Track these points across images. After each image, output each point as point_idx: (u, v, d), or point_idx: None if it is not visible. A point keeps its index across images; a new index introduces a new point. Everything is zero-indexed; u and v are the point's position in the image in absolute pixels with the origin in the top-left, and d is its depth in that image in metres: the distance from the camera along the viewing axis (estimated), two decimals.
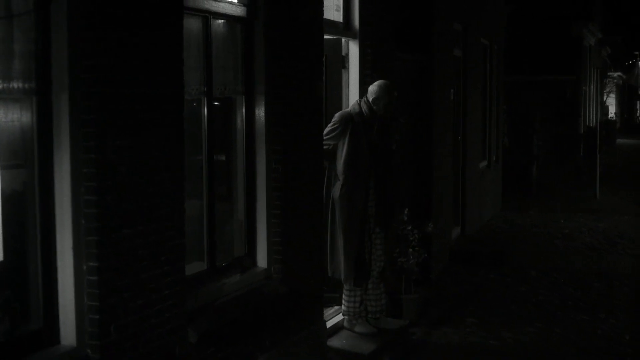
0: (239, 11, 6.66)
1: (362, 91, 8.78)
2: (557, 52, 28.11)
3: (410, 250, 9.05)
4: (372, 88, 8.15)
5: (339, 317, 8.59)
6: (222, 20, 6.56)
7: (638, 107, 77.04)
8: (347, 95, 8.85)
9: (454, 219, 13.25)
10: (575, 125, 28.82)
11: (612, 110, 49.77)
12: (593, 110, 36.13)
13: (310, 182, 7.57)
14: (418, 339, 8.60)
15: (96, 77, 4.80)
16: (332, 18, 8.57)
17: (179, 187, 5.57)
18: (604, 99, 45.20)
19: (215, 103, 6.53)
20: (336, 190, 8.01)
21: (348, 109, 8.22)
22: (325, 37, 8.16)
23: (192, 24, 6.08)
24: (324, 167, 8.06)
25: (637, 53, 59.20)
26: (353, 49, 8.84)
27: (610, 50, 45.01)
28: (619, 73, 53.24)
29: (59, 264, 4.85)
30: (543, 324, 9.27)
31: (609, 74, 48.60)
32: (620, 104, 56.95)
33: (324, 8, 8.07)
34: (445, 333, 8.78)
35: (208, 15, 6.25)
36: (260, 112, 6.89)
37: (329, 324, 8.19)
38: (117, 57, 4.95)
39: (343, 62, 8.83)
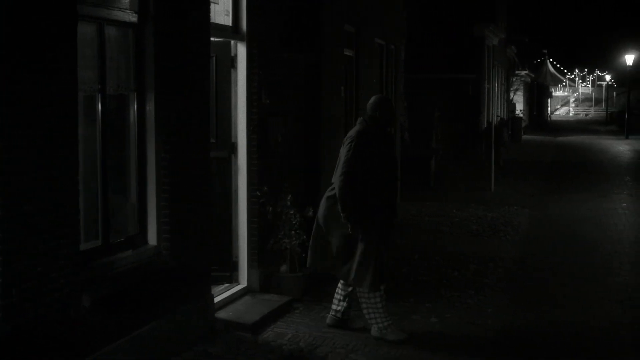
0: (131, 18, 7.39)
1: (250, 88, 9.57)
2: (459, 52, 29.13)
3: (293, 232, 9.93)
4: (371, 104, 8.59)
5: (229, 292, 9.43)
6: (116, 26, 7.26)
7: (548, 104, 79.04)
8: (236, 92, 9.57)
9: None
10: (476, 122, 29.93)
11: (519, 108, 51.08)
12: (498, 108, 37.41)
13: (198, 170, 8.30)
14: (299, 312, 9.50)
15: None
16: (221, 22, 9.35)
17: (74, 172, 6.35)
18: (511, 96, 46.46)
19: (109, 99, 7.27)
20: (358, 201, 8.35)
21: (356, 127, 8.55)
22: (215, 39, 8.96)
23: (87, 29, 6.82)
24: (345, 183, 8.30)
25: (545, 52, 61.07)
26: (241, 50, 9.57)
27: (516, 50, 46.50)
28: (527, 71, 54.74)
29: None
30: (416, 299, 10.19)
31: (516, 72, 49.95)
32: (528, 101, 58.38)
33: (214, 13, 8.89)
34: (324, 307, 9.59)
35: (102, 22, 7.00)
36: (150, 107, 7.61)
37: (218, 299, 9.01)
38: (15, 58, 5.70)
39: (232, 62, 9.53)
